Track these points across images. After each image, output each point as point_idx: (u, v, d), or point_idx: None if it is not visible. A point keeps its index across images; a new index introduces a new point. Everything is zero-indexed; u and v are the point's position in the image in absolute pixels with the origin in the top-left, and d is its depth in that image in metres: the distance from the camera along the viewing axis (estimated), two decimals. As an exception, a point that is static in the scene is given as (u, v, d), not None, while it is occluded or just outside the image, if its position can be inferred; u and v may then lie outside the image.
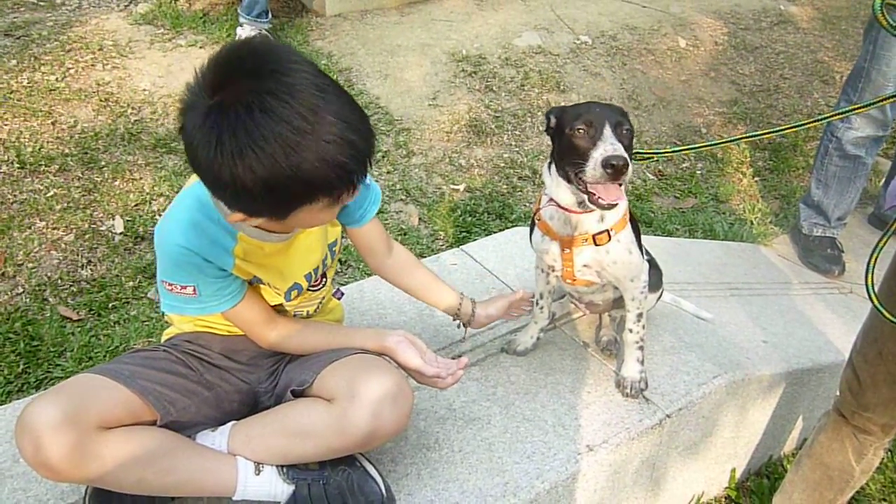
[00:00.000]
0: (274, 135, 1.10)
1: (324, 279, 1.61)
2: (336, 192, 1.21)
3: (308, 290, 1.58)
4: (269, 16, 4.20)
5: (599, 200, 1.50)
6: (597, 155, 1.46)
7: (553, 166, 1.64)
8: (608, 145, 1.46)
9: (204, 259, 1.37)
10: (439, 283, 1.80)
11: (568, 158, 1.54)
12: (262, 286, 1.51)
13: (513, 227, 3.03)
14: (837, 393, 1.81)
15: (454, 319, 1.83)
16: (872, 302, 1.45)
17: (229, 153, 1.11)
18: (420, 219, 3.19)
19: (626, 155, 1.46)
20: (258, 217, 1.25)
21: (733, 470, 2.25)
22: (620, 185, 1.49)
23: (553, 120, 1.61)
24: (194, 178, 1.37)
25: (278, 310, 1.57)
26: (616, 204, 1.52)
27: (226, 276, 1.42)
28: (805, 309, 2.76)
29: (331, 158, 1.14)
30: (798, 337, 2.46)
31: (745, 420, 2.14)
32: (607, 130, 1.48)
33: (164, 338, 1.63)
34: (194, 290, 1.40)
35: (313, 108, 1.12)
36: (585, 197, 1.54)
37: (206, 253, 1.37)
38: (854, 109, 1.56)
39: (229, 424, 1.46)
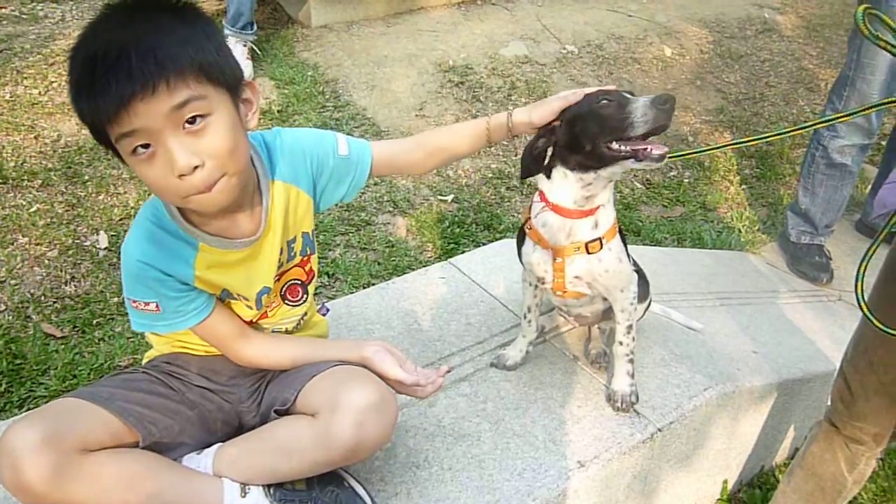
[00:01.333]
0: None
1: (304, 294, 1.59)
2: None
3: (287, 304, 1.56)
4: (255, 27, 4.18)
5: (653, 152, 1.46)
6: (640, 104, 1.44)
7: (554, 169, 1.62)
8: (643, 98, 1.45)
9: (163, 273, 1.35)
10: (458, 127, 1.71)
11: (595, 135, 1.50)
12: (233, 301, 1.48)
13: (501, 237, 3.02)
14: (829, 403, 1.80)
15: (489, 143, 1.67)
16: (862, 311, 1.44)
17: None
18: (408, 230, 3.17)
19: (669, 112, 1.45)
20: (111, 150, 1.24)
21: (725, 481, 2.24)
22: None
23: (559, 124, 1.57)
24: None
25: (255, 327, 1.55)
26: (667, 153, 1.49)
27: (188, 291, 1.40)
28: (794, 318, 2.76)
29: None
30: (788, 346, 2.45)
31: (737, 431, 2.13)
32: (628, 94, 1.48)
33: (144, 360, 1.61)
34: (157, 306, 1.38)
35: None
36: (629, 162, 1.50)
37: (164, 266, 1.34)
38: (840, 117, 1.57)
39: (215, 447, 1.43)
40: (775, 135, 1.63)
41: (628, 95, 1.50)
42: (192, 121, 1.18)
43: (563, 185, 1.60)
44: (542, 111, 1.57)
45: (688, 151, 1.92)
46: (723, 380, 1.98)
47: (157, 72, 1.12)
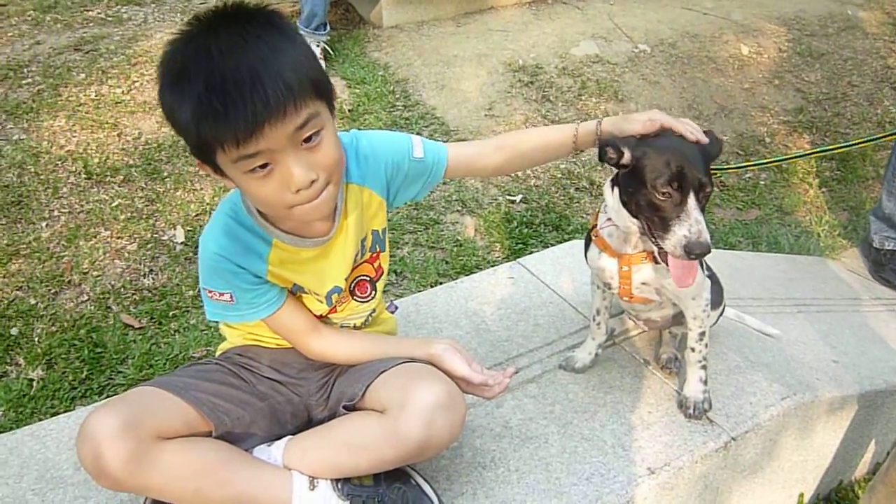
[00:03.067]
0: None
1: (373, 290, 1.60)
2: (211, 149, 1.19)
3: (355, 300, 1.57)
4: (328, 28, 4.24)
5: (670, 267, 1.46)
6: (679, 234, 1.39)
7: (617, 190, 1.57)
8: (693, 224, 1.38)
9: (238, 266, 1.38)
10: (543, 132, 1.67)
11: (646, 213, 1.47)
12: (304, 295, 1.51)
13: (570, 239, 2.99)
14: (915, 417, 1.72)
15: (574, 150, 1.64)
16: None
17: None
18: (476, 230, 3.17)
19: (709, 240, 1.38)
20: (203, 163, 1.27)
21: (801, 495, 2.16)
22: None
23: (628, 156, 1.48)
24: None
25: (324, 321, 1.56)
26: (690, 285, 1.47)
27: (261, 284, 1.43)
28: (877, 326, 2.64)
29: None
30: (871, 356, 2.35)
31: (814, 443, 2.05)
32: (692, 202, 1.39)
33: (217, 352, 1.65)
34: (231, 296, 1.42)
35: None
36: (655, 251, 1.50)
37: (239, 259, 1.38)
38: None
39: (285, 439, 1.46)
40: (863, 141, 1.56)
41: (690, 201, 1.39)
42: (309, 139, 1.22)
43: (618, 207, 1.57)
44: (630, 128, 1.52)
45: (769, 160, 1.85)
46: (801, 389, 1.91)
47: (287, 96, 1.16)
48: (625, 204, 1.54)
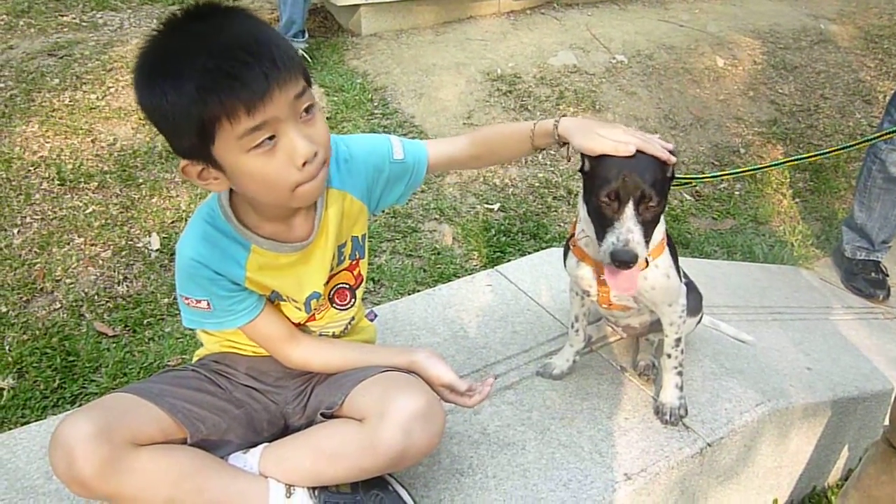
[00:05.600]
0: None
1: (353, 298, 1.59)
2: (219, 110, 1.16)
3: (334, 307, 1.56)
4: (306, 35, 4.24)
5: (608, 286, 1.48)
6: (609, 241, 1.39)
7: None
8: (623, 232, 1.37)
9: (215, 272, 1.37)
10: (505, 128, 1.67)
11: (592, 218, 1.48)
12: (282, 303, 1.49)
13: (547, 247, 3.00)
14: (886, 422, 1.74)
15: (533, 148, 1.57)
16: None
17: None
18: (454, 238, 3.17)
19: (637, 250, 1.36)
20: (196, 159, 1.24)
21: (775, 500, 2.18)
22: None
23: (587, 164, 1.48)
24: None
25: (303, 329, 1.55)
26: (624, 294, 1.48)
27: (239, 291, 1.41)
28: (849, 335, 2.68)
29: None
30: (843, 364, 2.38)
31: (788, 449, 2.07)
32: (629, 210, 1.38)
33: (194, 359, 1.63)
34: (208, 304, 1.40)
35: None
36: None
37: (216, 266, 1.37)
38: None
39: (261, 446, 1.44)
40: (834, 150, 1.58)
41: (627, 210, 1.38)
42: (307, 110, 1.23)
43: (584, 215, 1.55)
44: (593, 146, 1.42)
45: (742, 169, 1.87)
46: (775, 396, 1.93)
47: (289, 60, 1.18)
48: (587, 211, 1.54)
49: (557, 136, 1.49)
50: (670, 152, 1.43)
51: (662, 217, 1.60)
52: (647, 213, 1.40)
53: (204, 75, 1.12)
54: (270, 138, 1.20)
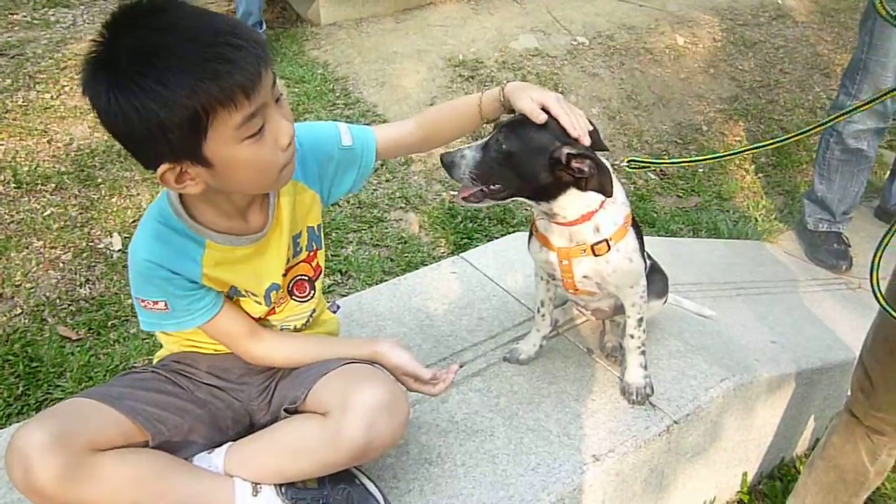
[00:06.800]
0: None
1: (312, 290, 1.58)
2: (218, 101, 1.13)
3: (294, 300, 1.55)
4: (264, 27, 4.19)
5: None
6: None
7: None
8: (462, 148, 1.53)
9: (171, 271, 1.34)
10: (453, 104, 1.66)
11: None
12: (241, 299, 1.48)
13: (514, 231, 3.00)
14: (849, 393, 1.77)
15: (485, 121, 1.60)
16: (879, 301, 1.41)
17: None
18: (420, 226, 3.16)
19: (454, 159, 1.51)
20: (180, 160, 1.20)
21: (745, 473, 2.21)
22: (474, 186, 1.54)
23: None
24: (162, 192, 1.37)
25: (263, 324, 1.54)
26: (460, 202, 1.58)
27: (196, 289, 1.39)
28: (813, 306, 2.72)
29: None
30: (807, 335, 2.42)
31: (755, 423, 2.10)
32: (482, 140, 1.52)
33: (154, 360, 1.61)
34: (165, 304, 1.38)
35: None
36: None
37: (172, 265, 1.34)
38: (857, 108, 1.53)
39: (225, 446, 1.43)
40: (794, 136, 1.59)
41: (483, 140, 1.53)
42: (278, 97, 1.24)
43: None
44: (520, 105, 1.46)
45: (702, 157, 1.88)
46: (740, 371, 1.95)
47: (264, 46, 1.19)
48: None
49: (503, 99, 1.52)
50: (594, 131, 1.52)
51: (623, 202, 1.60)
52: (489, 155, 1.50)
53: (201, 63, 1.09)
54: (261, 129, 1.20)
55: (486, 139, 1.52)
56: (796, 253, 3.32)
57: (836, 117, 1.59)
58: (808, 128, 1.57)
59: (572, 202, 1.53)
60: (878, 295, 1.41)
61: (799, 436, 2.40)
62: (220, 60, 1.10)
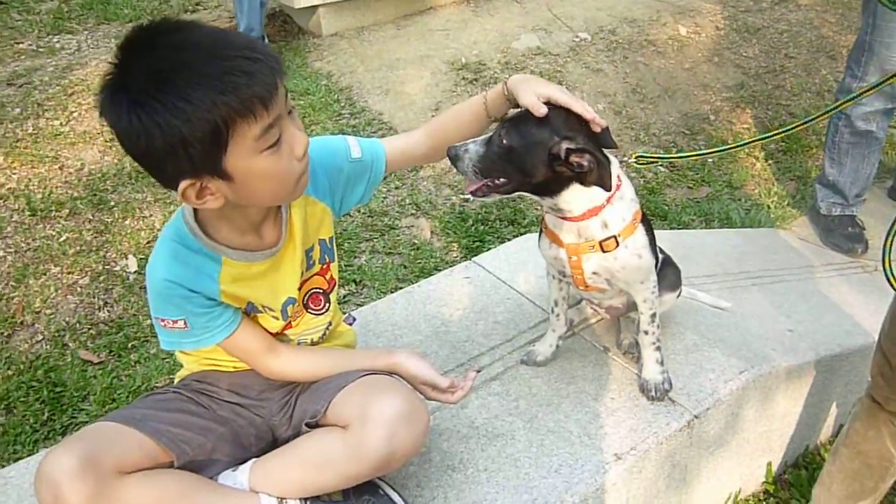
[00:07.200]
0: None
1: (327, 302, 1.59)
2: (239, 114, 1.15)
3: (309, 313, 1.56)
4: (266, 40, 4.21)
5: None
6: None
7: None
8: (468, 142, 1.54)
9: (189, 290, 1.36)
10: (458, 108, 1.68)
11: None
12: (258, 315, 1.49)
13: (526, 232, 3.01)
14: (869, 378, 1.76)
15: (492, 119, 1.62)
16: (892, 286, 1.41)
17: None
18: (432, 232, 3.17)
19: (458, 152, 1.52)
20: (200, 175, 1.21)
21: (769, 464, 2.20)
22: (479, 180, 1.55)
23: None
24: (177, 212, 1.39)
25: (280, 339, 1.55)
26: (469, 196, 1.58)
27: (215, 306, 1.41)
28: (830, 292, 2.70)
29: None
30: (825, 322, 2.40)
31: (777, 412, 2.09)
32: (486, 135, 1.54)
33: (176, 380, 1.63)
34: (184, 323, 1.39)
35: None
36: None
37: (190, 283, 1.36)
38: (864, 93, 1.53)
39: (249, 462, 1.44)
40: (800, 125, 1.59)
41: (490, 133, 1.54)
42: (290, 109, 1.28)
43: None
44: (523, 99, 1.48)
45: (709, 150, 1.88)
46: (758, 361, 1.95)
47: (277, 58, 1.22)
48: None
49: (507, 94, 1.54)
50: (605, 130, 1.52)
51: (632, 198, 1.61)
52: (495, 143, 1.51)
53: (223, 75, 1.12)
54: (278, 140, 1.22)
55: (490, 134, 1.54)
56: (810, 238, 3.30)
57: (843, 103, 1.59)
58: (815, 114, 1.57)
59: (576, 197, 1.54)
60: (892, 279, 1.40)
61: (822, 423, 2.38)
62: (239, 73, 1.13)
